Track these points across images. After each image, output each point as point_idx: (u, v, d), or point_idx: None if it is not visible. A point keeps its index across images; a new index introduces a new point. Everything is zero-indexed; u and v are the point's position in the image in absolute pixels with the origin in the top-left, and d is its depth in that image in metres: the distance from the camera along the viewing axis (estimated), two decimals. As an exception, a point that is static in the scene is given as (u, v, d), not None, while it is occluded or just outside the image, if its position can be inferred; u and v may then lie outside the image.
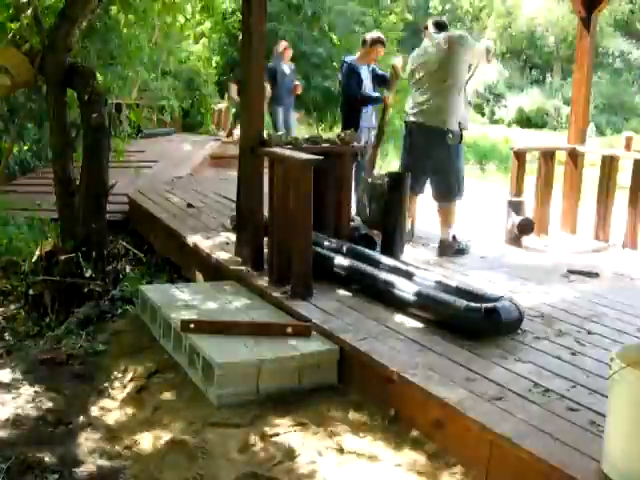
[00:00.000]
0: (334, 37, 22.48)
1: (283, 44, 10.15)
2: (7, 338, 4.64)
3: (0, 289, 5.41)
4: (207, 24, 13.55)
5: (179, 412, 3.40)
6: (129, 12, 6.58)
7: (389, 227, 5.37)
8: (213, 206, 7.23)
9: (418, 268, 4.51)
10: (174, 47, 11.68)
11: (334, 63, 21.47)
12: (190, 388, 3.61)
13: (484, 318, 3.67)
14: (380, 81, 6.94)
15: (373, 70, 6.91)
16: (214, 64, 17.93)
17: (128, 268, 5.63)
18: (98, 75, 5.51)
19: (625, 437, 2.37)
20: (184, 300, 4.38)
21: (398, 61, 6.38)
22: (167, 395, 3.60)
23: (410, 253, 5.42)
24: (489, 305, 3.74)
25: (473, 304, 3.74)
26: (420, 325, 3.85)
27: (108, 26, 6.71)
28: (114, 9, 6.55)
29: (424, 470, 2.85)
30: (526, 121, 29.54)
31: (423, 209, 6.55)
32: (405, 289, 4.08)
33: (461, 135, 5.57)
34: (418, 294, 4.00)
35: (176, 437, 3.16)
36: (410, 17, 28.31)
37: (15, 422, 3.42)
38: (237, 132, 7.53)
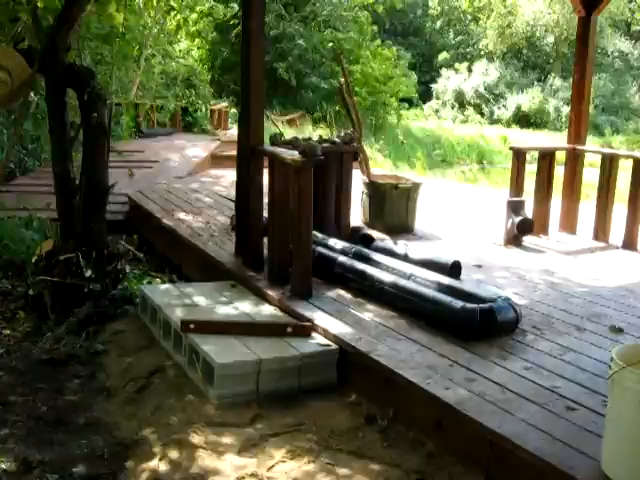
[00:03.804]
0: (327, 34, 22.49)
1: None
2: (7, 338, 4.64)
3: (0, 289, 5.40)
4: (201, 23, 13.59)
5: (179, 412, 3.40)
6: (125, 11, 6.58)
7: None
8: (213, 206, 7.23)
9: (417, 268, 4.50)
10: (170, 47, 11.70)
11: (331, 63, 21.54)
12: (190, 388, 3.61)
13: (480, 318, 3.67)
14: None
15: None
16: (209, 64, 17.97)
17: (128, 268, 5.61)
18: (96, 74, 5.48)
19: (625, 437, 2.37)
20: (184, 300, 4.38)
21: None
22: (167, 395, 3.60)
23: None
24: (485, 306, 3.74)
25: (469, 305, 3.75)
26: (420, 325, 3.85)
27: (103, 25, 6.70)
28: (110, 8, 6.54)
29: (424, 471, 2.84)
30: (525, 121, 29.59)
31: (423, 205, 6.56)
32: (404, 289, 4.09)
33: None
34: (417, 294, 4.00)
35: (176, 437, 3.16)
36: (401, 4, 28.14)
37: (15, 422, 3.42)
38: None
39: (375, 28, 24.94)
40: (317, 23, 23.16)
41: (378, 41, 24.54)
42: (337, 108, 17.63)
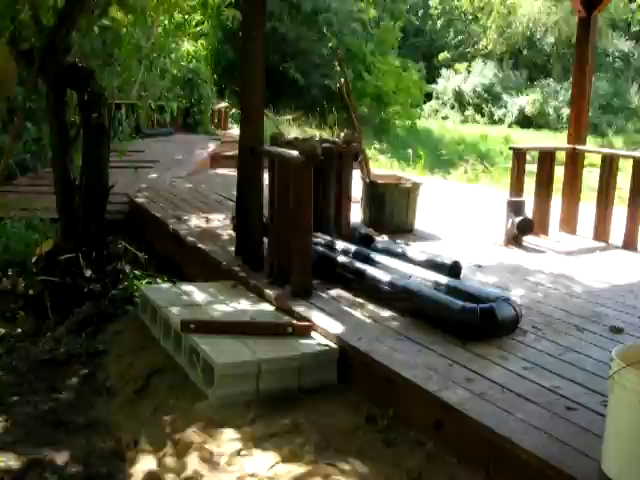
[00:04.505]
0: (331, 35, 22.54)
1: None
2: (7, 338, 4.64)
3: (0, 289, 5.40)
4: (205, 24, 13.61)
5: (179, 412, 3.40)
6: (127, 11, 6.58)
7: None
8: (213, 206, 7.23)
9: (417, 268, 4.50)
10: (172, 46, 11.69)
11: (334, 62, 21.58)
12: (190, 388, 3.61)
13: (480, 318, 3.67)
14: None
15: None
16: (212, 64, 17.97)
17: (128, 268, 5.62)
18: (97, 74, 5.49)
19: (625, 437, 2.36)
20: (184, 300, 4.38)
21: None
22: (167, 395, 3.60)
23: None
24: (485, 306, 3.74)
25: (470, 304, 3.75)
26: (420, 325, 3.85)
27: (106, 25, 6.70)
28: (112, 9, 6.55)
29: (424, 471, 2.84)
30: (526, 121, 29.59)
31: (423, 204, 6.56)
32: (404, 289, 4.08)
33: None
34: (417, 294, 4.00)
35: (176, 437, 3.16)
36: (415, 21, 28.38)
37: (15, 422, 3.42)
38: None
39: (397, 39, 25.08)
40: (323, 27, 23.21)
41: (397, 61, 24.57)
42: (334, 109, 17.71)
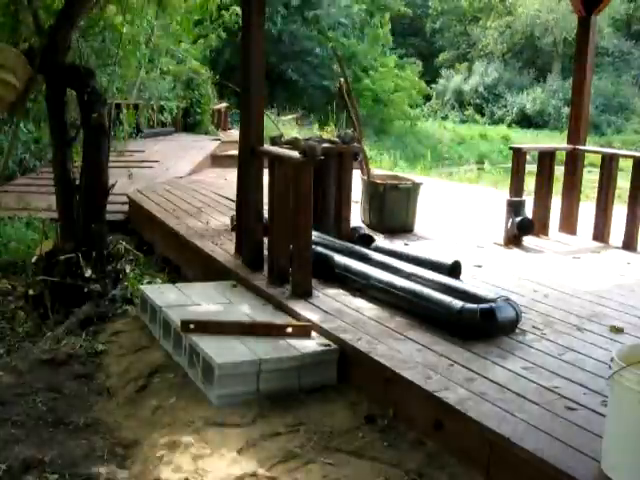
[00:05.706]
0: (330, 35, 22.55)
1: None
2: (7, 338, 4.64)
3: (0, 289, 5.40)
4: (205, 24, 13.64)
5: (179, 412, 3.40)
6: (127, 11, 6.59)
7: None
8: (213, 206, 7.23)
9: (417, 268, 4.50)
10: (172, 47, 11.69)
11: (334, 64, 21.61)
12: (190, 388, 3.62)
13: (480, 318, 3.67)
14: None
15: None
16: (211, 64, 18.00)
17: (128, 268, 5.62)
18: (97, 75, 5.49)
19: (625, 437, 2.37)
20: (184, 300, 4.38)
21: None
22: (167, 395, 3.60)
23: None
24: (485, 306, 3.74)
25: (469, 305, 3.75)
26: (420, 325, 3.85)
27: (106, 25, 6.72)
28: (112, 8, 6.55)
29: (424, 471, 2.85)
30: (525, 121, 29.60)
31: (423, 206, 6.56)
32: (404, 289, 4.09)
33: None
34: (416, 294, 4.00)
35: (176, 437, 3.16)
36: (409, 11, 28.35)
37: (15, 422, 3.42)
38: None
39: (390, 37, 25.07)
40: (319, 25, 23.19)
41: (393, 58, 24.53)
42: (334, 109, 17.77)
